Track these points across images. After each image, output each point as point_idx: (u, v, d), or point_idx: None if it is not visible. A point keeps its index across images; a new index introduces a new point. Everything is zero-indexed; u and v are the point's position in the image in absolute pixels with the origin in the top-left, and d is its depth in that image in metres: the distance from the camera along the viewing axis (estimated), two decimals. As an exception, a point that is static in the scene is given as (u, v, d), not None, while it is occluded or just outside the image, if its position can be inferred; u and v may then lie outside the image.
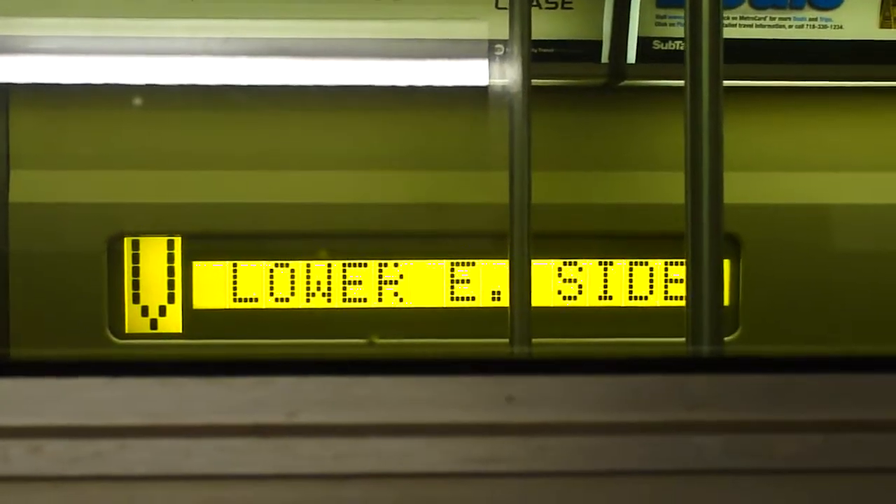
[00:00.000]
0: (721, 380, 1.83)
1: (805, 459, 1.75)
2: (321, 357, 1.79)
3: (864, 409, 1.78)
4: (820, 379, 1.80)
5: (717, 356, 3.50)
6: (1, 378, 1.70)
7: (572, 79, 5.77)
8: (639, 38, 5.64)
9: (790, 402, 1.79)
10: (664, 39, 5.59)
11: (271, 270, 5.82)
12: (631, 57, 5.66)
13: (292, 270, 5.81)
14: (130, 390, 1.71)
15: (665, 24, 5.58)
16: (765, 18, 5.71)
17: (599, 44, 5.67)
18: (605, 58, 5.68)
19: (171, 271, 5.81)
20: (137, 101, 5.63)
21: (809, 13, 5.72)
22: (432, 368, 1.77)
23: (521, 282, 5.03)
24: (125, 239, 5.78)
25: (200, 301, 5.82)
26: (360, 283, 5.83)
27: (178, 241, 5.80)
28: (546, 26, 5.51)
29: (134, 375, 1.71)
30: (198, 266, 5.81)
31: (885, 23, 5.74)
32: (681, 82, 4.00)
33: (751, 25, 5.70)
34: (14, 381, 1.70)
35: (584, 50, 5.68)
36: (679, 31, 5.23)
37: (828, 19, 5.73)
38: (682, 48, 4.13)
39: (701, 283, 3.99)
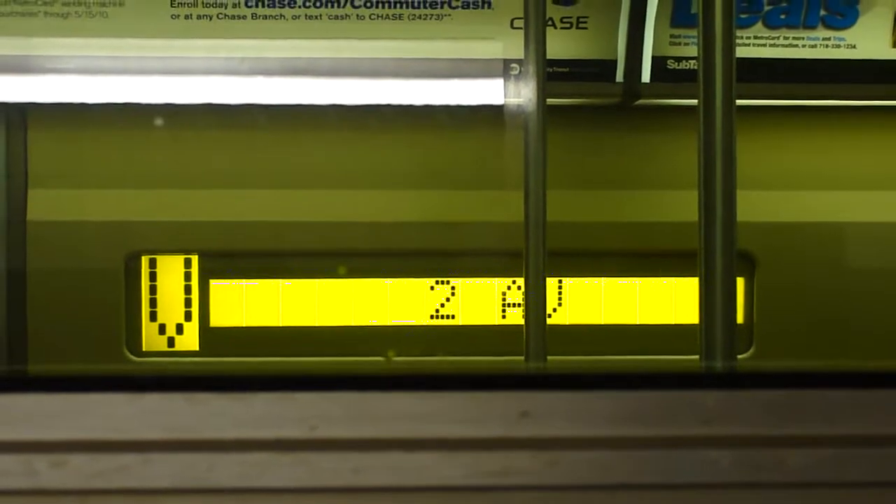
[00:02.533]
0: (734, 395, 1.85)
1: (817, 473, 1.77)
2: (341, 373, 1.81)
3: (875, 424, 1.79)
4: (832, 395, 1.81)
5: (729, 371, 3.51)
6: (25, 393, 1.72)
7: (587, 98, 5.76)
8: (653, 57, 5.65)
9: (802, 417, 1.81)
10: (678, 59, 5.59)
11: (289, 288, 5.83)
12: (645, 76, 5.66)
13: (308, 288, 5.82)
14: (153, 405, 1.73)
15: (679, 44, 5.58)
16: (778, 38, 5.71)
17: (614, 63, 5.67)
18: (619, 77, 5.68)
19: (188, 289, 5.81)
20: (155, 120, 5.64)
21: (823, 33, 5.72)
22: (449, 384, 1.78)
23: (536, 298, 5.04)
24: (142, 257, 5.79)
25: (217, 319, 5.82)
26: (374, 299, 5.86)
27: (195, 259, 5.81)
28: (561, 46, 5.51)
29: (157, 391, 1.73)
30: (215, 284, 5.81)
31: (897, 41, 5.76)
32: (695, 101, 4.01)
33: (764, 45, 5.70)
34: (38, 396, 1.71)
35: (599, 69, 5.68)
36: (693, 51, 5.24)
37: (841, 38, 5.74)
38: (696, 67, 4.13)
39: (714, 300, 4.00)
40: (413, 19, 5.53)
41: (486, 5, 5.55)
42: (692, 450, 1.79)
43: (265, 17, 5.48)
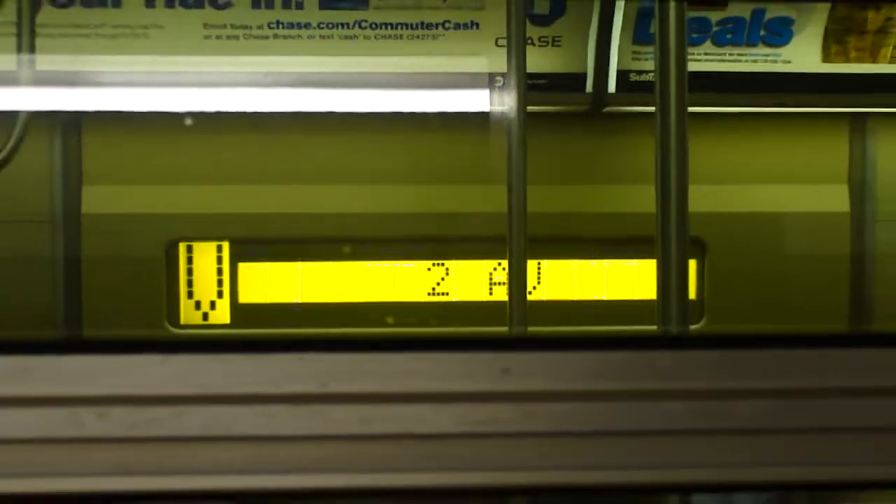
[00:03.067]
0: (686, 355, 1.84)
1: (757, 421, 1.76)
2: (348, 336, 1.80)
3: (803, 379, 1.78)
4: (768, 354, 1.80)
5: (682, 336, 3.52)
6: (75, 354, 1.70)
7: (561, 106, 5.77)
8: (618, 71, 5.64)
9: (744, 374, 1.79)
10: (639, 72, 5.59)
11: (305, 269, 5.83)
12: (611, 87, 5.66)
13: (322, 269, 5.82)
14: (184, 365, 1.72)
15: (640, 59, 5.58)
16: (725, 54, 5.71)
17: (584, 76, 5.66)
18: (589, 88, 5.68)
19: (219, 271, 5.82)
20: (189, 125, 5.64)
21: (763, 50, 5.71)
22: (441, 346, 1.77)
23: (518, 277, 5.03)
24: (180, 244, 5.79)
25: (245, 296, 5.83)
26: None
27: (225, 245, 5.81)
28: (539, 61, 5.52)
29: (187, 352, 1.72)
30: (242, 266, 5.82)
31: (826, 57, 5.75)
32: (654, 109, 4.01)
33: (713, 60, 5.70)
34: (86, 357, 1.70)
35: (572, 81, 5.68)
36: (652, 65, 5.23)
37: (778, 55, 5.73)
38: (654, 79, 4.12)
39: (670, 279, 4.00)
40: (412, 39, 5.53)
41: (474, 26, 5.54)
42: (650, 402, 1.77)
43: (285, 36, 5.47)
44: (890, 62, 5.78)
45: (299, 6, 5.44)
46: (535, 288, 5.77)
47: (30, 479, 1.67)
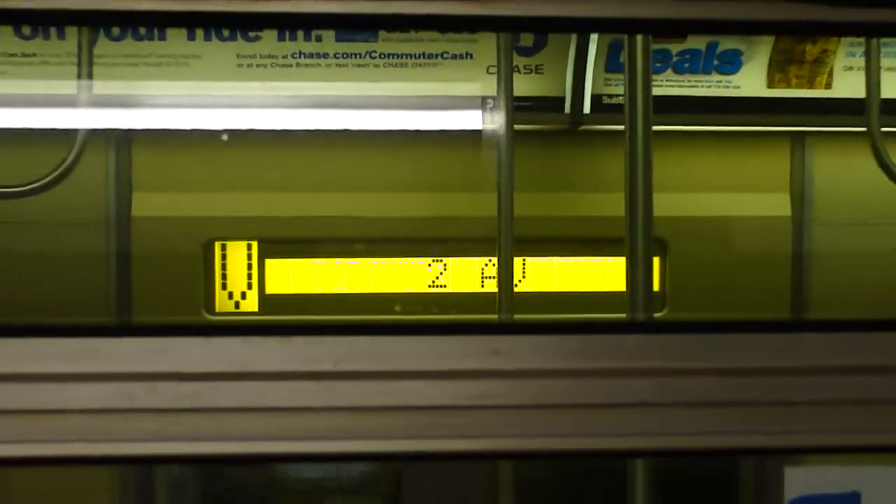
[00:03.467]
0: (650, 338, 1.85)
1: (707, 395, 1.77)
2: (357, 322, 1.81)
3: (748, 360, 1.79)
4: (720, 337, 1.81)
5: (646, 322, 3.52)
6: (127, 337, 1.71)
7: (543, 125, 5.75)
8: (592, 94, 5.63)
9: (698, 355, 1.81)
10: (611, 96, 5.58)
11: (322, 265, 5.83)
12: (587, 108, 5.65)
13: (337, 265, 5.82)
14: (219, 347, 1.73)
15: (611, 84, 5.57)
16: (684, 80, 5.70)
17: (563, 99, 5.66)
18: (567, 109, 5.67)
19: (249, 266, 5.82)
20: (225, 141, 5.64)
21: (716, 77, 5.71)
22: (438, 330, 1.78)
23: (506, 272, 5.03)
24: (216, 243, 5.79)
25: (271, 288, 5.83)
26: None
27: (254, 244, 5.81)
28: (524, 85, 5.51)
29: (222, 336, 1.73)
30: (269, 262, 5.82)
31: (770, 84, 5.75)
32: (623, 127, 4.01)
33: (673, 85, 5.70)
34: (136, 339, 1.71)
35: (552, 103, 5.68)
36: (622, 89, 5.24)
37: (729, 81, 5.73)
38: (623, 102, 4.12)
39: (637, 274, 4.00)
40: (415, 66, 5.52)
41: (468, 56, 5.54)
42: (619, 378, 1.79)
43: (306, 65, 5.47)
44: (825, 88, 5.78)
45: (318, 39, 5.43)
46: (520, 281, 5.76)
47: (90, 443, 1.68)
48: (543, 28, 1.93)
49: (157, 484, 5.86)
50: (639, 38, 4.02)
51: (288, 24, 1.77)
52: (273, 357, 1.73)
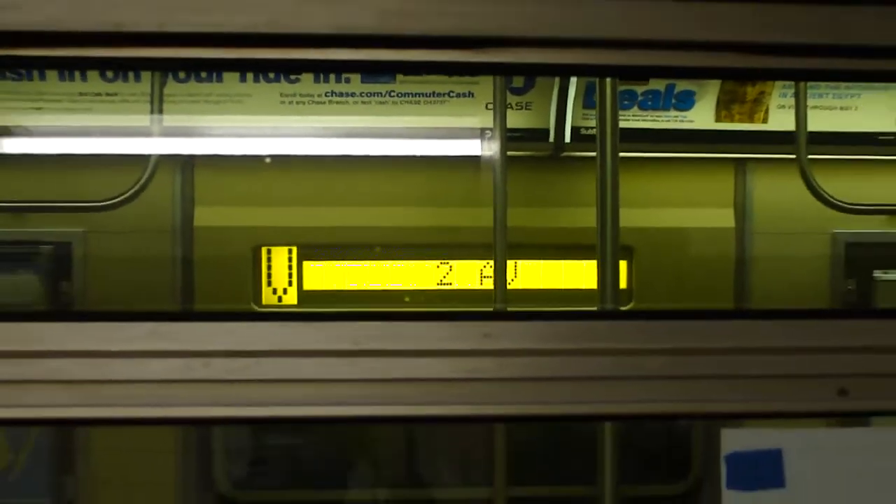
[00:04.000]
0: (616, 324, 1.85)
1: (662, 371, 1.77)
2: (374, 311, 1.81)
3: (698, 341, 1.79)
4: (673, 324, 1.81)
5: (613, 311, 3.51)
6: (189, 322, 1.72)
7: (531, 151, 5.74)
8: (572, 127, 5.64)
9: (658, 338, 1.81)
10: (587, 128, 5.58)
11: (349, 266, 5.83)
12: (567, 138, 5.66)
13: (361, 266, 5.83)
14: (264, 330, 1.73)
15: (588, 118, 5.57)
16: (647, 116, 5.71)
17: (548, 130, 5.66)
18: (551, 139, 5.67)
19: (290, 267, 5.82)
20: (269, 164, 5.65)
21: (673, 112, 5.71)
22: (440, 317, 1.78)
23: (500, 272, 5.05)
24: (262, 248, 5.80)
25: (308, 285, 5.83)
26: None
27: (294, 249, 5.81)
28: (516, 119, 5.51)
29: (266, 321, 1.73)
30: (306, 264, 5.82)
31: (718, 118, 5.75)
32: (595, 154, 4.01)
33: (639, 120, 5.70)
34: (196, 324, 1.72)
35: (539, 134, 5.67)
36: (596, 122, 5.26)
37: (684, 116, 5.73)
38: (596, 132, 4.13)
39: (606, 274, 4.00)
40: (426, 103, 5.52)
41: (470, 95, 5.54)
42: (590, 357, 1.78)
43: (337, 102, 5.47)
44: (762, 122, 5.78)
45: (346, 80, 5.44)
46: (513, 279, 5.76)
47: (158, 408, 1.69)
48: (528, 72, 1.93)
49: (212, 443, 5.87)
50: (608, 80, 4.02)
51: (319, 69, 1.78)
52: (307, 339, 1.73)
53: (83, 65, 1.59)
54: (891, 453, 1.79)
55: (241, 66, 1.75)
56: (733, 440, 1.78)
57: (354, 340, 1.73)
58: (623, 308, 5.50)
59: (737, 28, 1.79)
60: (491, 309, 5.09)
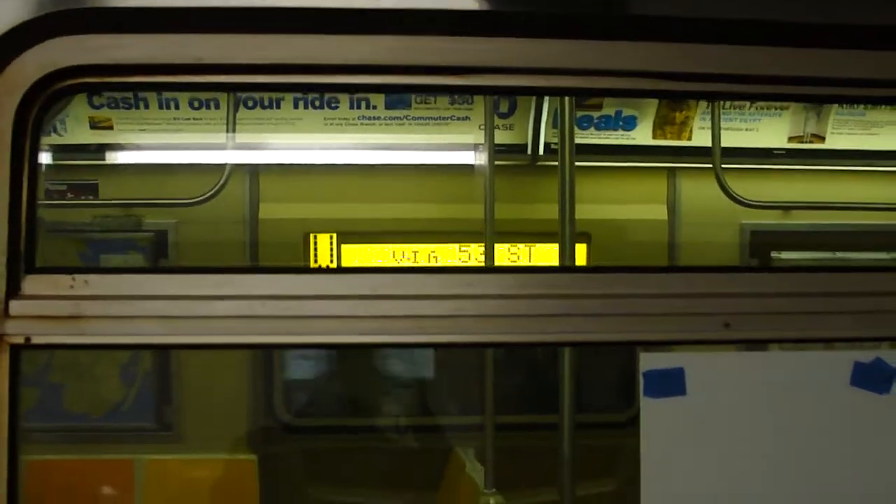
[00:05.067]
0: (571, 276, 1.88)
1: (604, 309, 1.80)
2: (386, 266, 1.85)
3: (626, 289, 1.83)
4: (611, 276, 1.84)
5: (569, 266, 3.43)
6: (258, 274, 1.75)
7: (513, 161, 5.72)
8: (545, 142, 5.66)
9: (598, 287, 1.84)
10: (556, 143, 5.54)
11: (376, 248, 5.83)
12: (541, 151, 5.67)
13: (387, 249, 5.83)
14: (306, 280, 1.77)
15: (557, 136, 5.56)
16: (601, 134, 5.72)
17: (526, 145, 5.68)
18: (529, 151, 5.69)
19: (331, 250, 5.83)
20: (316, 170, 5.66)
21: (620, 132, 5.72)
22: (436, 271, 1.82)
23: (489, 253, 5.07)
24: (310, 234, 5.82)
25: (345, 263, 5.83)
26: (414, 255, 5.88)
27: (334, 235, 5.83)
28: (501, 137, 5.52)
29: (307, 273, 1.77)
30: (344, 247, 5.84)
31: (654, 136, 5.77)
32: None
33: (595, 137, 5.70)
34: (262, 275, 1.75)
35: (519, 148, 5.69)
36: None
37: (629, 134, 5.75)
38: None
39: (565, 254, 3.96)
40: (434, 124, 5.53)
41: (466, 118, 5.56)
42: (549, 300, 1.81)
43: (367, 123, 5.50)
44: (688, 139, 5.79)
45: (374, 107, 5.46)
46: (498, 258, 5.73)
47: (227, 336, 1.73)
48: (503, 92, 1.96)
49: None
50: (567, 106, 4.02)
51: (345, 90, 1.81)
52: (337, 286, 1.76)
53: (170, 88, 1.61)
54: (761, 369, 1.85)
55: (288, 89, 1.78)
56: (648, 361, 1.84)
57: (372, 288, 1.77)
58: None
59: (663, 61, 1.83)
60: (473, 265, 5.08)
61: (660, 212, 6.05)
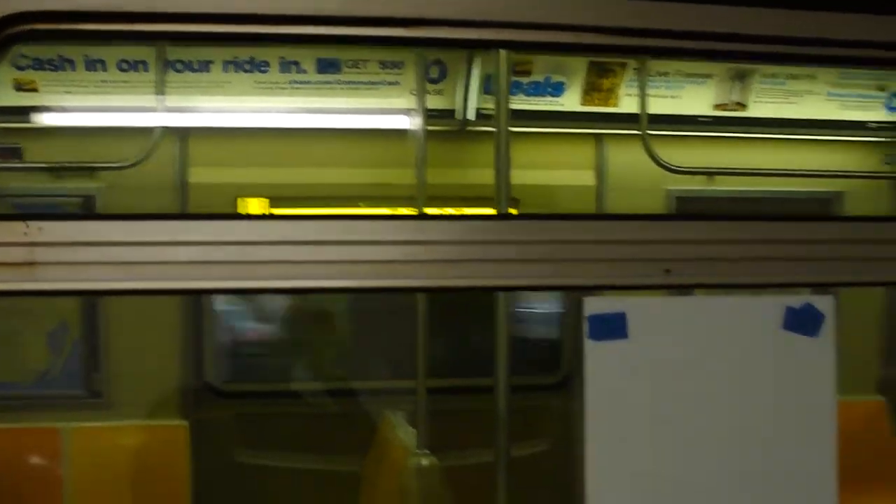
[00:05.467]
0: (503, 223, 1.93)
1: (538, 255, 1.84)
2: (334, 213, 1.85)
3: (564, 236, 1.87)
4: (546, 224, 1.88)
5: (503, 214, 3.43)
6: (205, 220, 1.77)
7: (445, 126, 5.73)
8: (477, 108, 5.68)
9: (534, 234, 1.88)
10: (486, 108, 5.61)
11: (307, 211, 5.75)
12: (471, 116, 5.69)
13: (315, 211, 5.75)
14: (257, 226, 1.78)
15: (487, 102, 5.62)
16: (530, 100, 5.75)
17: (455, 111, 5.70)
18: (459, 116, 5.71)
19: (263, 213, 5.75)
20: (246, 134, 5.59)
21: (548, 98, 5.77)
22: (383, 217, 1.84)
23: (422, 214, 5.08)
24: (240, 198, 5.74)
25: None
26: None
27: (266, 200, 5.78)
28: (432, 101, 5.53)
29: (258, 220, 1.77)
30: (275, 211, 5.69)
31: (583, 103, 5.83)
32: (493, 128, 4.04)
33: (525, 103, 5.72)
34: (209, 221, 1.76)
35: (449, 113, 5.70)
36: (491, 104, 5.28)
37: (557, 101, 5.81)
38: (493, 112, 4.14)
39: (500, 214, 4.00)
40: (365, 89, 5.51)
41: (396, 84, 5.53)
42: (489, 245, 1.85)
43: (298, 87, 5.45)
44: (615, 106, 5.86)
45: (304, 71, 5.42)
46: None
47: (183, 281, 1.73)
48: (445, 45, 1.97)
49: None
50: (503, 69, 4.03)
51: (289, 41, 1.81)
52: (286, 232, 1.76)
53: (107, 37, 1.58)
54: (700, 313, 1.92)
55: (224, 38, 1.76)
56: (592, 305, 1.89)
57: (318, 233, 1.78)
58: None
59: (601, 13, 1.86)
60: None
61: (588, 178, 6.12)
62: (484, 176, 5.00)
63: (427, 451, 5.02)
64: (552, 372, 6.14)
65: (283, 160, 5.76)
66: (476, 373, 5.70)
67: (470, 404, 4.99)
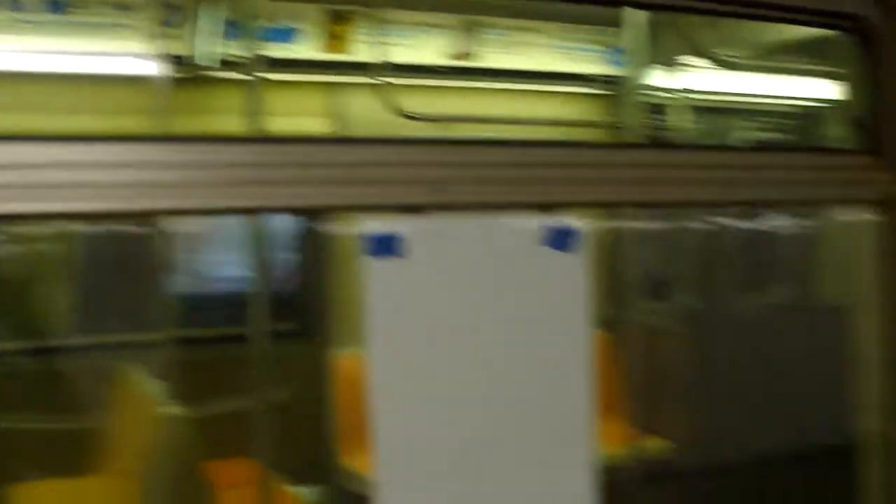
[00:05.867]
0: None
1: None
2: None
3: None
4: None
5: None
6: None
7: (182, 73, 5.50)
8: (213, 53, 5.54)
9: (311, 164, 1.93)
10: (227, 55, 5.49)
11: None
12: (209, 62, 5.52)
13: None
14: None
15: (228, 48, 5.49)
16: (261, 47, 5.43)
17: (193, 56, 5.53)
18: (196, 62, 5.51)
19: None
20: None
21: (280, 45, 5.70)
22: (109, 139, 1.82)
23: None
24: None
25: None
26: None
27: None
28: (169, 47, 5.37)
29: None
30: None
31: (319, 48, 5.83)
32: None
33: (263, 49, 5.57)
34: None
35: (188, 59, 5.50)
36: (232, 49, 5.20)
37: (292, 48, 5.77)
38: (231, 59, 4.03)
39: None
40: (103, 30, 5.29)
41: (128, 28, 5.32)
42: (248, 169, 1.88)
43: (31, 27, 5.19)
44: (351, 55, 5.91)
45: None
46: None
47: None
48: None
49: None
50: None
51: None
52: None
53: None
54: (471, 232, 2.05)
55: None
56: (368, 226, 1.97)
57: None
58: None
59: None
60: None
61: (325, 126, 6.15)
62: (226, 123, 4.97)
63: (173, 402, 4.97)
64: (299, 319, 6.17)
65: (7, 107, 5.38)
66: (225, 322, 5.66)
67: (223, 353, 4.97)
